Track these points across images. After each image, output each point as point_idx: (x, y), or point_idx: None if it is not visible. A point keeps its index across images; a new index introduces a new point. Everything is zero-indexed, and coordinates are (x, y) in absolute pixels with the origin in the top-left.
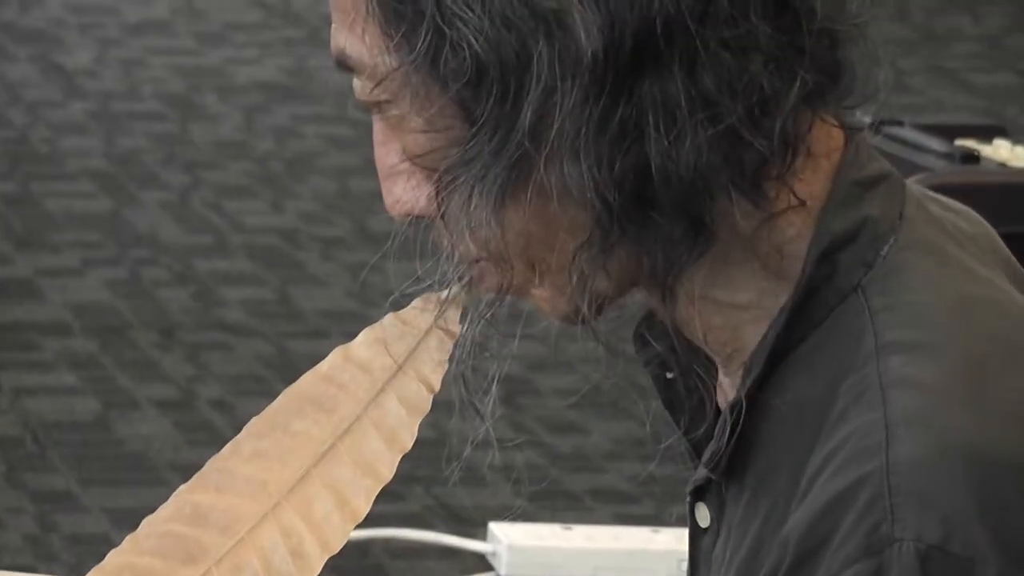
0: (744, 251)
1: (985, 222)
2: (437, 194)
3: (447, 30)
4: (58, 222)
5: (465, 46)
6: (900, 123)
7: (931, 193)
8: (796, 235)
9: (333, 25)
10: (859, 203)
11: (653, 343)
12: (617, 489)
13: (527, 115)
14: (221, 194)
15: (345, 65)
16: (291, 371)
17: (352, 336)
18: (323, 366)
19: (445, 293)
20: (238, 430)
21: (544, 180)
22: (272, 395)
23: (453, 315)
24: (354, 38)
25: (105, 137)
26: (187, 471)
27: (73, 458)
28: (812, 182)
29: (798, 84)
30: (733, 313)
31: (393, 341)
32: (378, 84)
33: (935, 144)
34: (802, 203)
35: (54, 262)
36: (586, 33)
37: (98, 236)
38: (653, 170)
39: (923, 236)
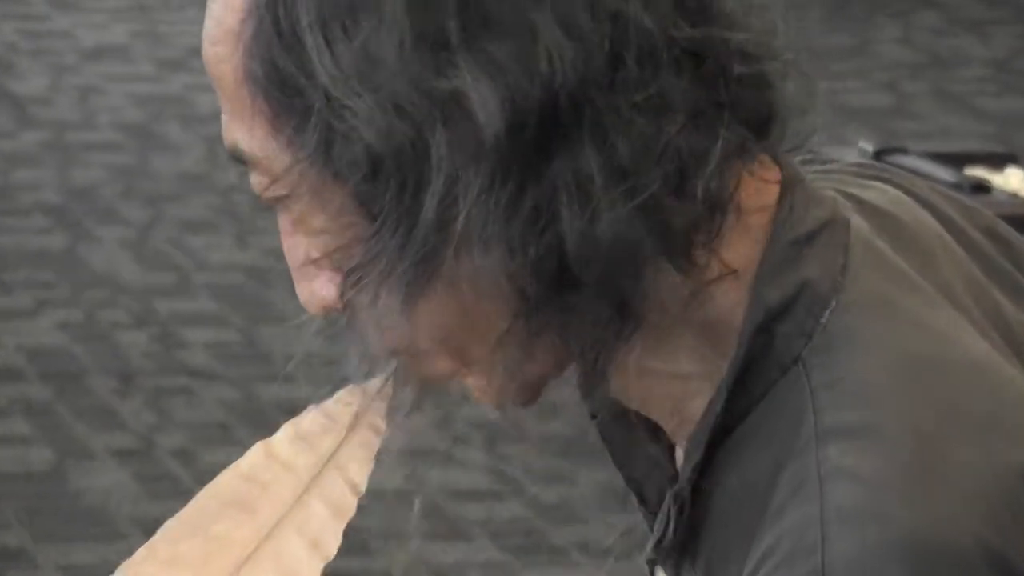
0: (680, 323)
1: (944, 199)
2: (342, 295)
3: (336, 123)
4: (9, 260)
5: (356, 138)
6: (904, 151)
7: (884, 203)
8: (733, 304)
9: (224, 117)
10: (796, 265)
11: (596, 396)
12: (605, 542)
13: (430, 207)
14: (183, 230)
15: (239, 159)
16: (259, 418)
17: (323, 380)
18: (243, 463)
19: (370, 385)
20: (202, 481)
21: (455, 273)
22: (238, 443)
23: (379, 409)
24: (245, 132)
25: (59, 169)
26: (147, 525)
27: (26, 512)
28: (743, 245)
29: (720, 140)
30: (675, 384)
31: (317, 437)
32: (274, 181)
33: (943, 173)
34: (732, 271)
35: (5, 303)
36: (485, 114)
37: (52, 275)
38: (569, 253)
39: (868, 290)
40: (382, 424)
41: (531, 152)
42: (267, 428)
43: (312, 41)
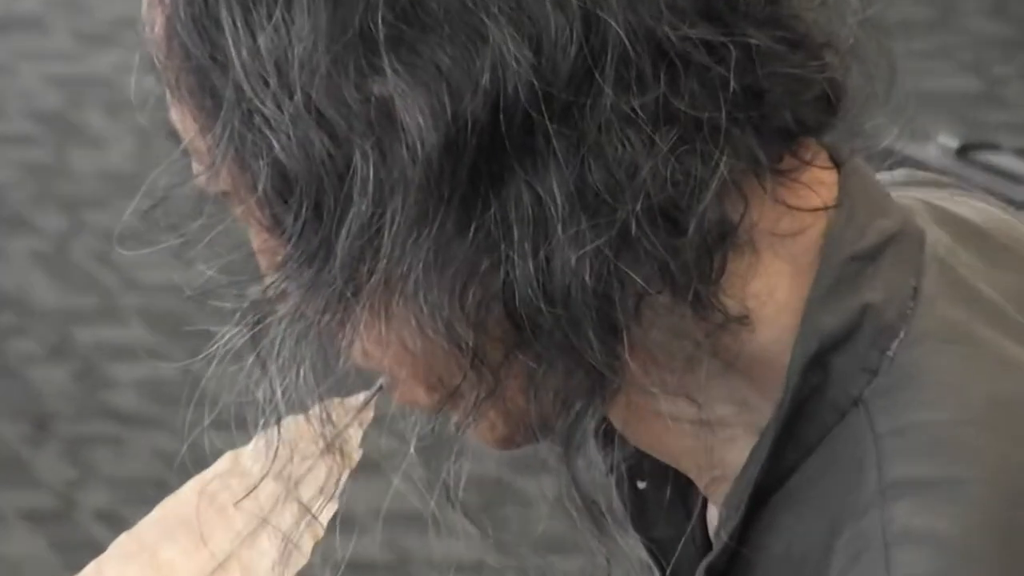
0: (709, 363)
1: None
2: (252, 327)
3: (245, 126)
4: None
5: (265, 147)
6: (995, 147)
7: (979, 220)
8: (777, 337)
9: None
10: (856, 286)
11: (616, 445)
12: None
13: (346, 241)
14: (109, 241)
15: (175, 138)
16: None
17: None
18: (210, 472)
19: (353, 401)
20: None
21: (384, 314)
22: None
23: (354, 436)
24: (175, 108)
25: None
26: None
27: None
28: (780, 268)
29: (722, 160)
30: (708, 433)
31: (284, 457)
32: (203, 172)
33: None
34: (741, 318)
35: None
36: (415, 128)
37: None
38: (518, 302)
39: (944, 319)
40: (355, 454)
41: (474, 177)
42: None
43: (229, 24)
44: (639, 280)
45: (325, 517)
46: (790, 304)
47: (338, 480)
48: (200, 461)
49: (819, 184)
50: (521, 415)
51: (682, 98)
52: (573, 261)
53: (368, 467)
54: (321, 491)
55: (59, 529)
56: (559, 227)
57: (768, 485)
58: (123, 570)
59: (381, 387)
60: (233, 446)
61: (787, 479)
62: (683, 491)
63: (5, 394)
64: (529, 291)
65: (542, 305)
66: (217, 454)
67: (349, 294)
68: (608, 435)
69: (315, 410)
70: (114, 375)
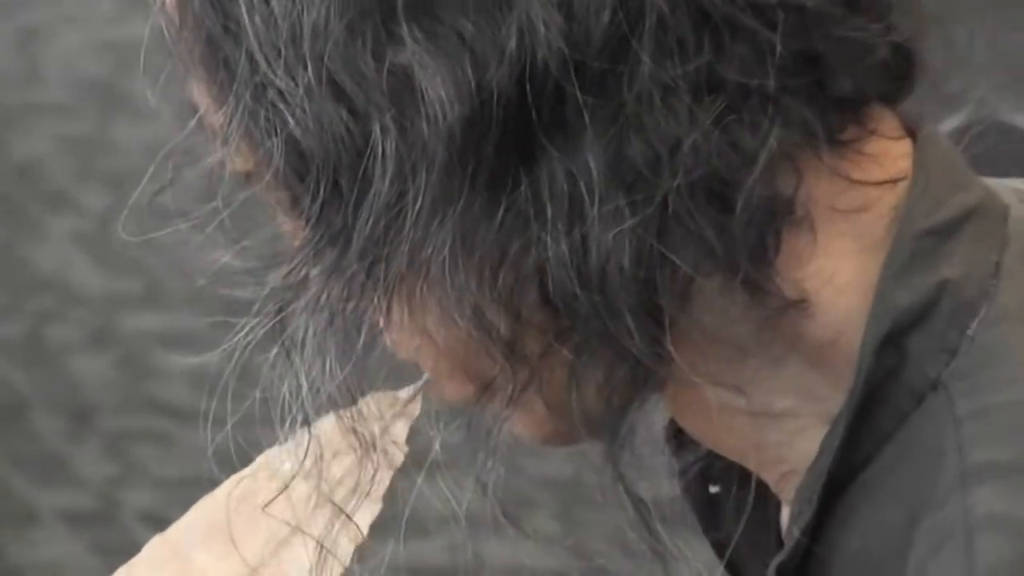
0: (768, 348)
1: None
2: (278, 313)
3: (257, 99)
4: None
5: (279, 122)
6: None
7: None
8: (846, 318)
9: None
10: (932, 262)
11: (689, 448)
12: None
13: (366, 222)
14: (157, 222)
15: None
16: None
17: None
18: (248, 471)
19: (403, 394)
20: None
21: (409, 301)
22: None
23: (400, 432)
24: (193, 87)
25: None
26: None
27: None
28: (846, 246)
29: (774, 131)
30: (774, 425)
31: (323, 454)
32: (219, 150)
33: None
34: (799, 301)
35: None
36: (436, 101)
37: None
38: (553, 284)
39: None
40: (401, 453)
41: (502, 153)
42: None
43: None
44: (683, 262)
45: (365, 521)
46: (858, 284)
47: (381, 480)
48: (250, 459)
49: (888, 156)
50: (564, 409)
51: (728, 65)
52: (609, 241)
53: (428, 465)
54: (362, 492)
55: (100, 531)
56: (595, 205)
57: (842, 477)
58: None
59: (430, 379)
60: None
61: (862, 470)
62: (758, 494)
63: (43, 385)
64: (564, 274)
65: (577, 290)
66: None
67: (371, 280)
68: (679, 436)
69: (360, 404)
70: (161, 365)
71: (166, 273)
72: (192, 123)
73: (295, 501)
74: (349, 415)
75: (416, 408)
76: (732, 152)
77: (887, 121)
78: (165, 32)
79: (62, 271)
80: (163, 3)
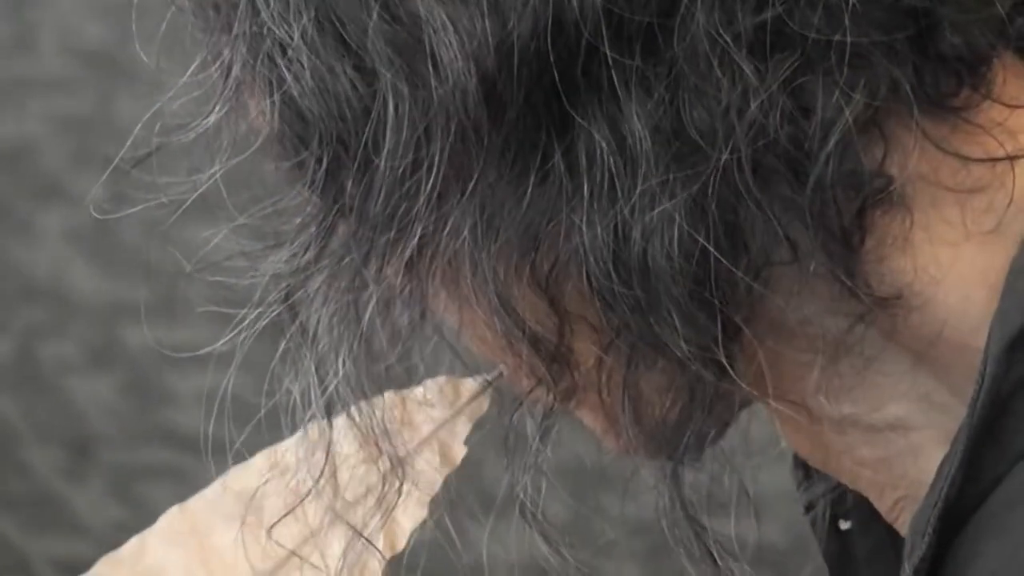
0: (869, 347)
1: None
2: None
3: (252, 57)
4: None
5: (275, 77)
6: None
7: None
8: (963, 313)
9: None
10: None
11: (816, 478)
12: None
13: (378, 195)
14: (170, 214)
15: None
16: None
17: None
18: (284, 445)
19: (467, 384)
20: None
21: (438, 283)
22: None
23: (461, 430)
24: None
25: None
26: None
27: None
28: (968, 227)
29: (859, 90)
30: (883, 439)
31: (375, 444)
32: (220, 107)
33: None
34: (891, 299)
35: None
36: (451, 55)
37: None
38: (591, 270)
39: None
40: (459, 451)
41: (529, 119)
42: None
43: None
44: (749, 248)
45: (408, 525)
46: (981, 276)
47: (432, 482)
48: None
49: (1010, 128)
50: (617, 419)
51: (804, 15)
52: (653, 221)
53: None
54: (388, 507)
55: None
56: (639, 180)
57: (964, 505)
58: (167, 552)
59: (501, 374)
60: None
61: (989, 496)
62: (893, 531)
63: (35, 412)
64: (601, 263)
65: (615, 280)
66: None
67: (383, 262)
68: (806, 465)
69: (421, 389)
70: (173, 388)
71: (180, 278)
72: (184, 78)
73: (336, 493)
74: (412, 403)
75: (484, 405)
76: (805, 118)
77: (1012, 85)
78: None
79: (56, 276)
80: None
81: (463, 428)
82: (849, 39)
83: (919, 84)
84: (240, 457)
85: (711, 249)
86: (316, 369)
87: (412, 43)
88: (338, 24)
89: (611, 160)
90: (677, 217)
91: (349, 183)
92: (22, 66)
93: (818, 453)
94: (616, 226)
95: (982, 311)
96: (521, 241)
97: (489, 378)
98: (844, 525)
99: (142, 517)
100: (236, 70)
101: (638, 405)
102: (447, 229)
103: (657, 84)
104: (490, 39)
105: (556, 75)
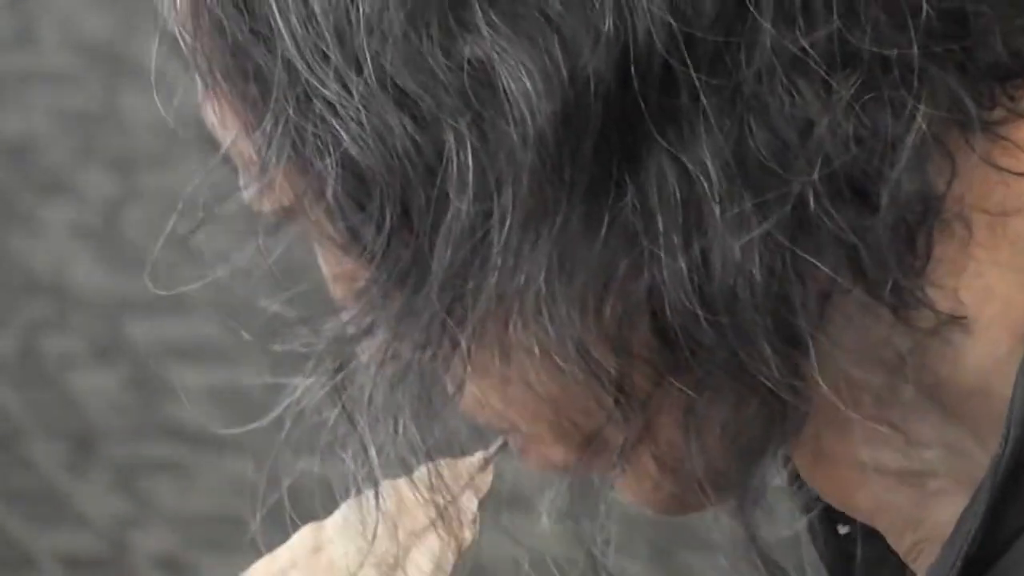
0: (904, 383)
1: None
2: (335, 372)
3: (302, 115)
4: None
5: (330, 139)
6: None
7: None
8: (992, 354)
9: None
10: None
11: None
12: None
13: (445, 249)
14: (172, 210)
15: (215, 143)
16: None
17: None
18: (284, 552)
19: (464, 464)
20: None
21: (499, 341)
22: (256, 548)
23: (468, 508)
24: (214, 110)
25: None
26: None
27: None
28: (1004, 252)
29: (921, 112)
30: (905, 484)
31: (384, 531)
32: (256, 185)
33: None
34: (958, 318)
35: None
36: (521, 97)
37: None
38: (670, 309)
39: None
40: (469, 532)
41: (603, 154)
42: (301, 523)
43: None
44: (826, 270)
45: None
46: (1010, 320)
47: (448, 564)
48: (286, 493)
49: None
50: (682, 462)
51: (862, 31)
52: (737, 252)
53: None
54: None
55: None
56: (716, 210)
57: (985, 554)
58: None
59: (505, 443)
60: (325, 476)
61: (1010, 546)
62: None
63: (40, 407)
64: (683, 296)
65: (700, 313)
66: (304, 484)
67: (453, 322)
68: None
69: (420, 473)
70: (177, 382)
71: (182, 272)
72: (220, 154)
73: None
74: (418, 485)
75: (488, 479)
76: (873, 137)
77: None
78: (180, 40)
79: (60, 271)
80: (172, 5)
81: (470, 508)
82: (916, 52)
83: (972, 98)
84: (240, 451)
85: (790, 275)
86: (368, 434)
87: (478, 88)
88: (395, 75)
89: (685, 190)
90: (757, 245)
91: (413, 242)
92: (24, 61)
93: (837, 492)
94: (696, 258)
95: (1014, 353)
96: (596, 282)
97: (491, 453)
98: (843, 529)
99: (144, 511)
100: (281, 135)
101: (705, 444)
102: (520, 279)
103: (726, 108)
104: (564, 76)
105: (635, 106)
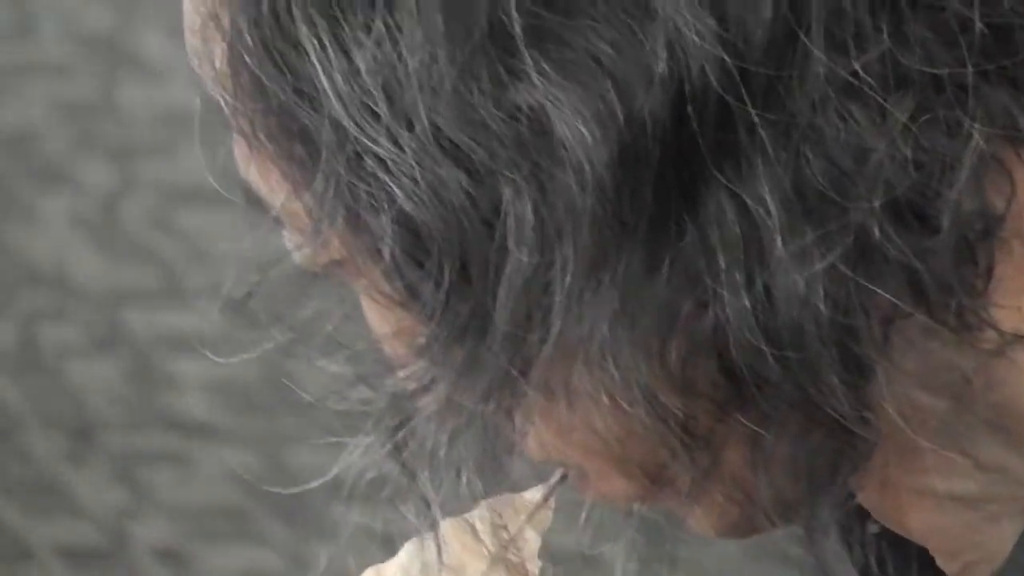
0: (964, 408)
1: None
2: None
3: (354, 173)
4: None
5: (384, 198)
6: None
7: None
8: None
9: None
10: None
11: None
12: None
13: (506, 305)
14: (171, 202)
15: (255, 201)
16: (288, 499)
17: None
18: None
19: (524, 498)
20: None
21: (564, 389)
22: (257, 540)
23: (531, 543)
24: (257, 168)
25: None
26: None
27: None
28: None
29: (976, 130)
30: (959, 508)
31: (443, 574)
32: (305, 241)
33: None
34: (1018, 338)
35: None
36: (575, 142)
37: None
38: (734, 347)
39: None
40: (532, 567)
41: (662, 195)
42: (301, 516)
43: (313, 44)
44: (889, 297)
45: None
46: None
47: None
48: (284, 485)
49: None
50: (749, 494)
51: (912, 52)
52: (801, 286)
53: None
54: None
55: (105, 570)
56: (778, 244)
57: None
58: None
59: (564, 477)
60: (328, 468)
61: None
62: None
63: (38, 397)
64: (747, 333)
65: (766, 349)
66: (306, 475)
67: (516, 373)
68: None
69: (480, 510)
70: (176, 373)
71: (183, 263)
72: (270, 216)
73: None
74: (478, 523)
75: (548, 515)
76: (930, 159)
77: None
78: (220, 99)
79: (59, 262)
80: (210, 65)
81: (533, 544)
82: (971, 69)
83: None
84: (240, 442)
85: (854, 304)
86: (429, 487)
87: (532, 138)
88: (448, 130)
89: (746, 226)
90: (819, 278)
91: (473, 296)
92: (23, 52)
93: (892, 514)
94: (760, 294)
95: None
96: (659, 325)
97: (550, 487)
98: (874, 528)
99: (143, 502)
100: (333, 195)
101: (773, 478)
102: (584, 327)
103: (783, 141)
104: (620, 120)
105: (692, 144)
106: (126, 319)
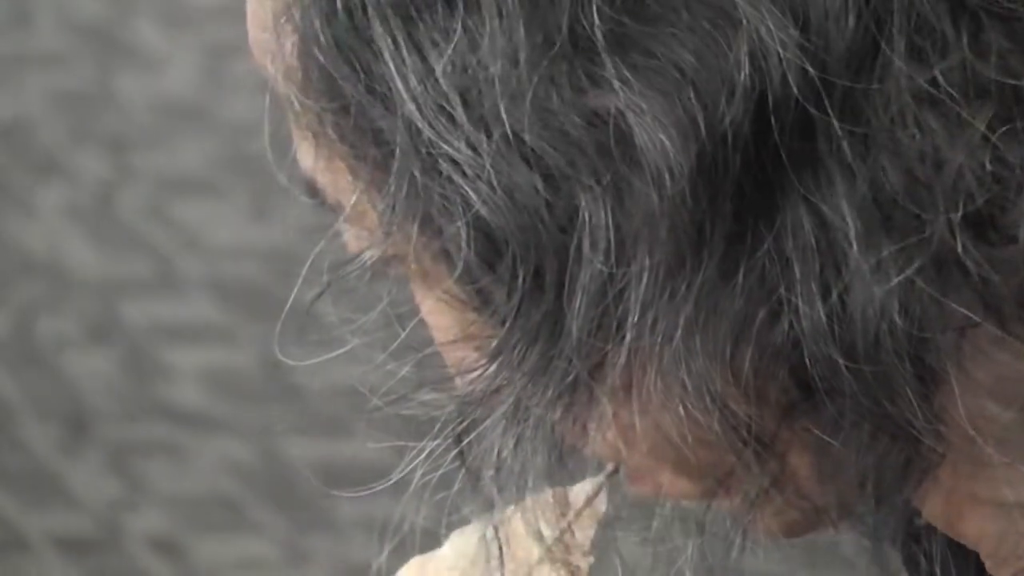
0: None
1: None
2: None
3: (428, 176)
4: None
5: (458, 201)
6: None
7: None
8: None
9: (295, 132)
10: None
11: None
12: None
13: (579, 311)
14: (166, 192)
15: (318, 197)
16: (284, 489)
17: (399, 434)
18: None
19: (575, 491)
20: None
21: (635, 396)
22: (252, 530)
23: (583, 537)
24: (322, 162)
25: None
26: None
27: None
28: None
29: None
30: (1014, 517)
31: (493, 566)
32: (371, 240)
33: None
34: None
35: None
36: (655, 150)
37: None
38: (809, 358)
39: None
40: (584, 562)
41: (740, 205)
42: (295, 506)
43: (388, 44)
44: (963, 310)
45: None
46: None
47: None
48: (278, 476)
49: None
50: (813, 500)
51: (990, 61)
52: (878, 298)
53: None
54: None
55: (101, 560)
56: (855, 255)
57: None
58: None
59: (616, 470)
60: (323, 459)
61: None
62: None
63: (33, 388)
64: (822, 345)
65: (840, 361)
66: (302, 465)
67: (589, 379)
68: None
69: (532, 503)
70: (171, 364)
71: (177, 253)
72: (340, 219)
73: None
74: (532, 514)
75: (602, 507)
76: (1007, 170)
77: None
78: (290, 99)
79: (54, 252)
80: (279, 58)
81: (585, 536)
82: None
83: None
84: (234, 432)
85: (930, 316)
86: (494, 490)
87: (611, 146)
88: (526, 135)
89: (822, 237)
90: (895, 290)
91: (547, 301)
92: (19, 42)
93: (947, 519)
94: (835, 306)
95: None
96: (733, 334)
97: (602, 479)
98: (920, 520)
99: (139, 493)
100: (407, 197)
101: (839, 485)
102: (659, 334)
103: (861, 151)
104: (701, 130)
105: (773, 154)
106: (121, 309)
